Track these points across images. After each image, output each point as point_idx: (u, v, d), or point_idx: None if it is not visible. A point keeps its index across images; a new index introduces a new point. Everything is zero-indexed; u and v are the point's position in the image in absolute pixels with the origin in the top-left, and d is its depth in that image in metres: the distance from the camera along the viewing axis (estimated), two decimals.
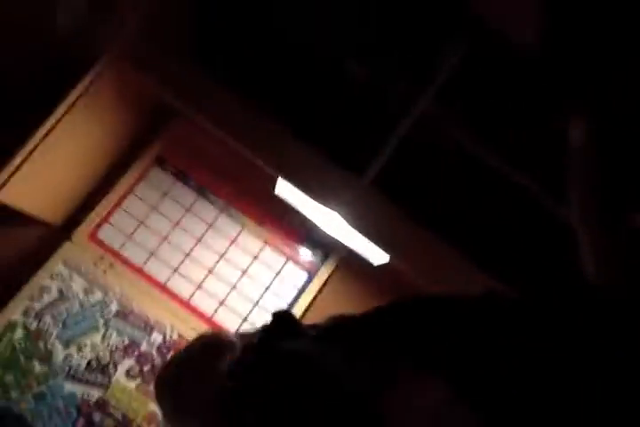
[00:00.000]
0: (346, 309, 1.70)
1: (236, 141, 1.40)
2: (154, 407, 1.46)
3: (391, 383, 0.53)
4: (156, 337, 1.51)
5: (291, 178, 1.42)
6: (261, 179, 1.66)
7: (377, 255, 1.50)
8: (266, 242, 1.66)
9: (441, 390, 0.50)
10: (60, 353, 1.45)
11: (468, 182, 1.52)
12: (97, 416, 1.41)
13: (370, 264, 1.58)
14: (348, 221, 1.40)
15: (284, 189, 1.52)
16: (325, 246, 1.68)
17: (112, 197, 1.60)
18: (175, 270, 1.59)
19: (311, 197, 1.42)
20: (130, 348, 1.49)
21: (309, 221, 1.66)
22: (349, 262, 1.67)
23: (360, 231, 1.43)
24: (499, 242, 1.49)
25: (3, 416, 1.15)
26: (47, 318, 1.46)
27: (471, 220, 1.47)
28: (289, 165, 1.40)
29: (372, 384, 0.54)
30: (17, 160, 1.27)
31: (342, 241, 1.57)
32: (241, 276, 1.63)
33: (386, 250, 1.41)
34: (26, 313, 1.45)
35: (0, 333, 1.41)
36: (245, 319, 1.59)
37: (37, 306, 1.46)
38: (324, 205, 1.40)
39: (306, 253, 1.66)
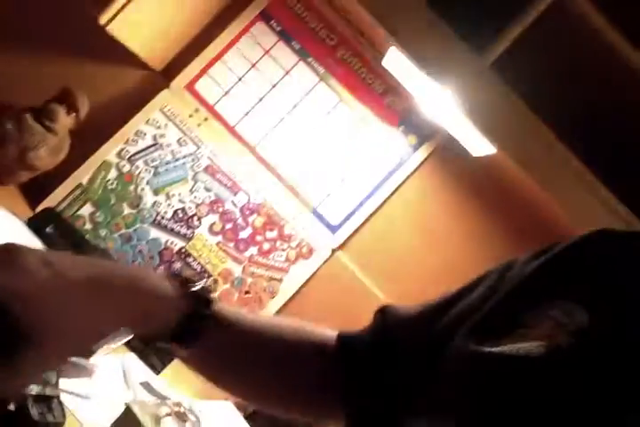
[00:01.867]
0: (431, 200, 1.66)
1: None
2: (231, 265, 1.50)
3: None
4: (241, 198, 1.51)
5: (406, 46, 1.30)
6: (369, 49, 1.56)
7: (480, 146, 1.40)
8: (362, 118, 1.58)
9: None
10: (149, 199, 1.47)
11: (603, 78, 1.36)
12: (177, 265, 1.47)
13: (468, 156, 1.49)
14: (459, 103, 1.30)
15: (394, 61, 1.41)
16: (421, 132, 1.59)
17: (213, 49, 1.52)
18: (267, 135, 1.55)
19: (424, 71, 1.31)
20: (215, 204, 1.50)
21: (412, 102, 1.57)
22: (445, 151, 1.58)
23: (470, 117, 1.32)
24: (630, 157, 1.35)
25: (93, 250, 1.20)
26: (140, 163, 1.47)
27: (602, 126, 1.33)
28: (406, 31, 1.28)
29: None
30: None
31: (444, 126, 1.47)
32: (331, 150, 1.57)
33: (495, 141, 1.31)
34: (120, 155, 1.46)
35: (94, 171, 1.43)
36: (329, 194, 1.56)
37: (132, 150, 1.46)
38: (436, 81, 1.30)
39: (400, 137, 1.58)
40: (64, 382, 0.75)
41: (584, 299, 0.45)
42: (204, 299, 0.61)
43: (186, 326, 0.58)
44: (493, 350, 0.45)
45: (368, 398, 0.61)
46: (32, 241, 1.07)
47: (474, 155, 1.46)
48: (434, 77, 1.29)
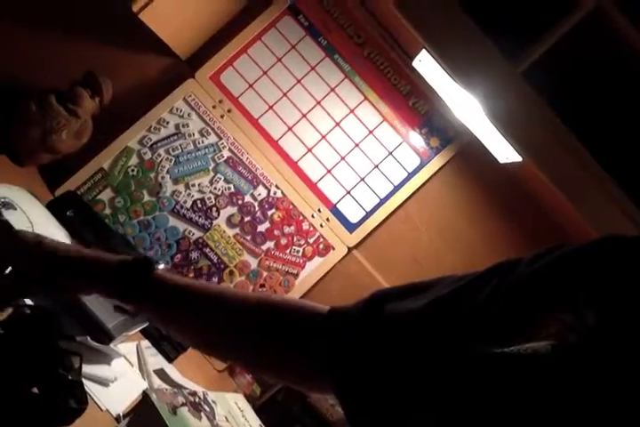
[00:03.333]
0: (451, 202, 1.65)
1: (389, 3, 1.26)
2: (247, 258, 1.48)
3: None
4: (261, 191, 1.50)
5: (438, 49, 1.29)
6: (397, 50, 1.55)
7: (505, 153, 1.39)
8: (384, 118, 1.57)
9: None
10: (168, 188, 1.46)
11: (636, 90, 1.34)
12: (194, 254, 1.45)
13: (490, 161, 1.48)
14: (486, 109, 1.29)
15: (424, 62, 1.40)
16: (445, 135, 1.57)
17: (239, 41, 1.51)
18: (290, 129, 1.53)
19: (453, 75, 1.29)
20: (234, 196, 1.49)
21: (436, 103, 1.56)
22: (469, 155, 1.57)
23: (497, 123, 1.31)
24: None
25: (111, 235, 1.19)
26: (161, 151, 1.45)
27: (633, 138, 1.31)
28: (439, 33, 1.27)
29: None
30: None
31: (470, 131, 1.46)
32: (353, 148, 1.56)
33: (521, 148, 1.30)
34: (142, 142, 1.44)
35: (116, 156, 1.42)
36: (349, 193, 1.55)
37: (154, 137, 1.45)
38: (465, 86, 1.29)
39: (422, 139, 1.57)
40: (85, 368, 0.74)
41: (593, 302, 0.46)
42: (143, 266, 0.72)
43: (127, 290, 0.71)
44: (504, 350, 0.46)
45: (356, 377, 0.61)
46: (52, 223, 1.05)
47: (499, 161, 1.45)
48: (463, 82, 1.28)
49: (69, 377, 0.67)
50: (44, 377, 0.64)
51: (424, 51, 1.31)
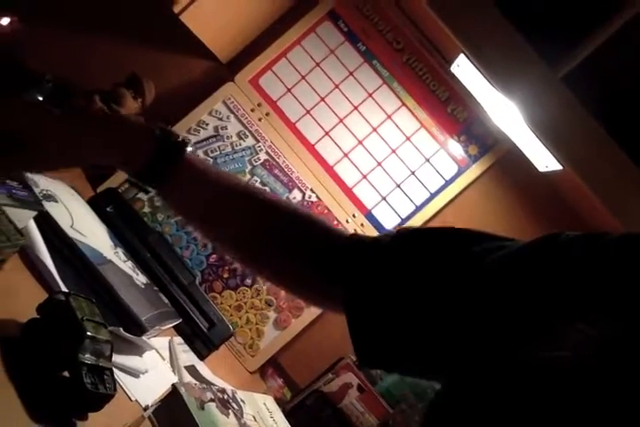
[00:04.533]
0: (488, 211, 1.62)
1: (427, 5, 1.26)
2: None
3: None
4: (296, 195, 1.51)
5: (476, 55, 1.28)
6: (436, 56, 1.54)
7: (545, 161, 1.37)
8: (422, 124, 1.56)
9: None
10: None
11: None
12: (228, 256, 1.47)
13: (529, 169, 1.45)
14: (525, 116, 1.27)
15: (463, 69, 1.39)
16: (484, 143, 1.56)
17: (279, 45, 1.53)
18: (327, 134, 1.54)
19: (492, 81, 1.28)
20: None
21: (475, 110, 1.54)
22: (507, 164, 1.55)
23: (537, 131, 1.29)
24: None
25: (150, 233, 1.21)
26: (200, 153, 1.48)
27: None
28: (478, 39, 1.26)
29: None
30: None
31: (510, 138, 1.44)
32: (390, 154, 1.56)
33: (563, 158, 1.27)
34: None
35: None
36: (384, 199, 1.54)
37: (193, 139, 1.47)
38: (504, 92, 1.27)
39: (460, 146, 1.55)
40: (116, 357, 0.75)
41: (614, 310, 0.45)
42: (176, 143, 0.68)
43: (156, 164, 0.67)
44: (527, 358, 0.45)
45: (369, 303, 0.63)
46: (92, 218, 1.08)
47: (539, 169, 1.43)
48: (502, 87, 1.27)
49: (100, 364, 0.68)
50: (75, 362, 0.66)
51: (462, 55, 1.30)
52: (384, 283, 0.63)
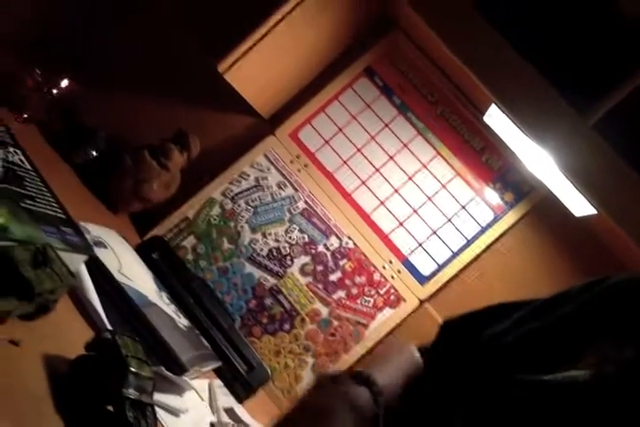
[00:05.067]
0: (526, 257, 1.62)
1: (457, 58, 1.32)
2: (319, 306, 1.52)
3: None
4: (334, 242, 1.55)
5: (507, 105, 1.32)
6: (470, 107, 1.59)
7: (580, 206, 1.38)
8: (457, 173, 1.59)
9: None
10: (246, 236, 1.54)
11: None
12: (268, 301, 1.50)
13: (567, 216, 1.46)
14: (559, 163, 1.29)
15: (495, 118, 1.44)
16: (519, 189, 1.58)
17: (317, 101, 1.61)
18: (363, 183, 1.59)
19: (524, 130, 1.32)
20: (308, 246, 1.54)
21: (510, 159, 1.57)
22: (543, 210, 1.56)
23: (571, 177, 1.31)
24: None
25: (192, 278, 1.27)
26: (241, 202, 1.55)
27: None
28: (509, 90, 1.30)
29: None
30: (247, 44, 1.31)
31: (544, 185, 1.46)
32: (425, 201, 1.59)
33: (596, 203, 1.28)
34: (224, 194, 1.55)
35: (200, 206, 1.53)
36: (421, 245, 1.56)
37: (235, 189, 1.55)
38: (537, 141, 1.30)
39: (496, 193, 1.57)
40: (157, 396, 0.79)
41: (634, 336, 0.47)
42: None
43: None
44: (547, 378, 0.47)
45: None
46: (139, 264, 1.14)
47: (575, 214, 1.44)
48: (534, 136, 1.30)
49: (142, 399, 0.72)
50: (119, 396, 0.69)
51: (493, 105, 1.35)
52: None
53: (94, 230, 1.02)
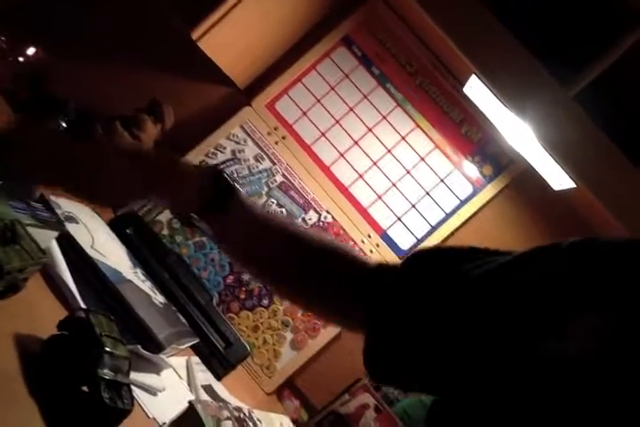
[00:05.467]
0: (504, 230, 1.62)
1: (438, 27, 1.29)
2: None
3: None
4: (312, 216, 1.53)
5: (488, 76, 1.30)
6: (449, 78, 1.57)
7: (559, 179, 1.37)
8: (436, 146, 1.58)
9: None
10: None
11: None
12: (246, 276, 1.48)
13: (545, 189, 1.46)
14: (538, 135, 1.28)
15: (475, 90, 1.41)
16: (498, 162, 1.57)
17: (294, 70, 1.57)
18: (342, 155, 1.57)
19: (504, 101, 1.30)
20: None
21: (489, 131, 1.56)
22: (522, 183, 1.56)
23: (550, 149, 1.30)
24: None
25: (168, 254, 1.24)
26: None
27: None
28: (490, 60, 1.28)
29: None
30: (219, 12, 1.26)
31: (523, 157, 1.45)
32: (404, 175, 1.57)
33: (576, 176, 1.28)
34: None
35: None
36: (399, 219, 1.55)
37: (211, 162, 1.51)
38: (516, 112, 1.29)
39: (475, 166, 1.56)
40: (134, 375, 0.77)
41: (622, 305, 0.46)
42: (227, 184, 0.77)
43: (211, 201, 0.75)
44: (532, 353, 0.47)
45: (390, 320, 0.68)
46: (112, 239, 1.10)
47: (553, 188, 1.43)
48: (514, 107, 1.28)
49: (118, 379, 0.70)
50: (94, 377, 0.67)
51: (474, 76, 1.33)
52: (395, 306, 0.70)
53: (65, 205, 0.98)
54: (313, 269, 0.78)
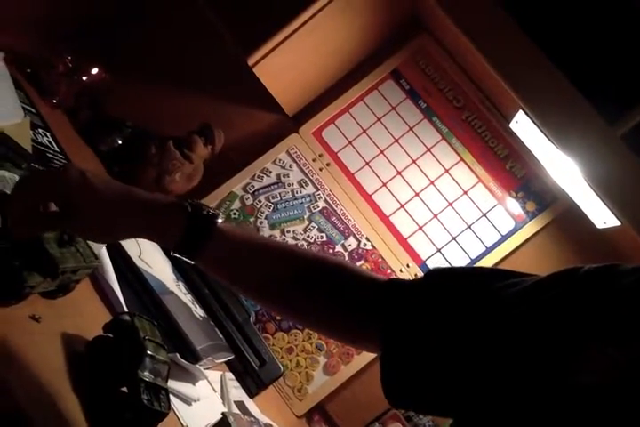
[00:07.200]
0: (545, 268, 1.59)
1: (487, 63, 1.31)
2: None
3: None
4: (352, 242, 1.54)
5: (536, 112, 1.31)
6: (495, 114, 1.58)
7: (604, 218, 1.36)
8: (480, 180, 1.58)
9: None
10: (265, 232, 1.54)
11: None
12: None
13: (587, 226, 1.44)
14: (584, 173, 1.28)
15: (522, 125, 1.42)
16: (542, 199, 1.56)
17: (343, 101, 1.61)
18: (384, 185, 1.58)
19: (551, 138, 1.30)
20: (326, 245, 1.54)
21: (534, 167, 1.56)
22: (565, 221, 1.54)
23: (596, 188, 1.29)
24: None
25: None
26: (262, 198, 1.55)
27: None
28: (538, 96, 1.29)
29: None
30: (275, 40, 1.31)
31: (568, 195, 1.44)
32: (446, 207, 1.58)
33: (622, 214, 1.26)
34: (245, 189, 1.56)
35: (221, 200, 1.54)
36: (439, 250, 1.55)
37: (256, 185, 1.55)
38: (563, 150, 1.29)
39: (518, 202, 1.56)
40: (171, 382, 0.78)
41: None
42: (206, 217, 0.69)
43: (189, 240, 0.69)
44: (552, 385, 0.46)
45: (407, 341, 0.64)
46: (158, 252, 1.14)
47: (597, 226, 1.42)
48: (561, 144, 1.28)
49: (157, 382, 0.71)
50: (135, 378, 0.69)
51: (521, 112, 1.34)
52: (413, 324, 0.66)
53: None
54: (319, 286, 0.73)
